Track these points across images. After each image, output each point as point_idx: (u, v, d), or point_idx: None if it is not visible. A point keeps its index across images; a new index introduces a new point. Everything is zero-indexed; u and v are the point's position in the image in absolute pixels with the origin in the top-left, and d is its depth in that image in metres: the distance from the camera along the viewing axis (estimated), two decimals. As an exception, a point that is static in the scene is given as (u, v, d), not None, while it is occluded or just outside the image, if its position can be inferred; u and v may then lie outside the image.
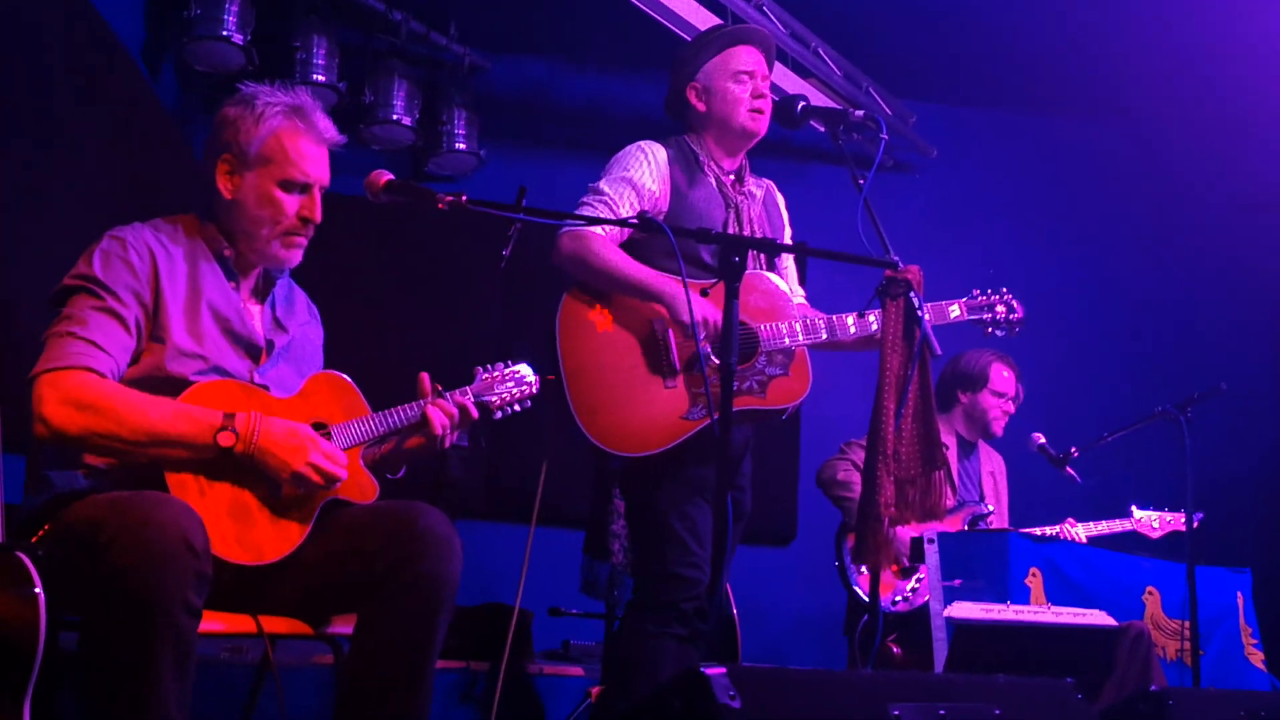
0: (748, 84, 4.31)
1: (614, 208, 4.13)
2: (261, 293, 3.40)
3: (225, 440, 2.99)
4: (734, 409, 4.07)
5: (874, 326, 4.22)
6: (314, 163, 3.30)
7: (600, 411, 4.00)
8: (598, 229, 4.07)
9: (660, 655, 4.05)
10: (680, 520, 4.08)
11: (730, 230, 4.25)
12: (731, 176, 4.34)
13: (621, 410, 4.01)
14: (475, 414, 3.51)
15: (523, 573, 4.25)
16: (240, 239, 3.31)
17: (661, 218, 4.19)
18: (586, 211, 4.14)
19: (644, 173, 4.19)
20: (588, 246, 4.06)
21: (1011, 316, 4.63)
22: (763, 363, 4.17)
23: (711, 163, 4.31)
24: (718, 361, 4.04)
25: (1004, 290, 4.67)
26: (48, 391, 2.93)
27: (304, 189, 3.29)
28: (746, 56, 4.34)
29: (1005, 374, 6.02)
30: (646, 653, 4.06)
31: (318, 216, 3.32)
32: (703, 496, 4.11)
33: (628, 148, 4.27)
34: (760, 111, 4.31)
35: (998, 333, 4.65)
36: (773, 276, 4.30)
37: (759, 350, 4.16)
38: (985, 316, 4.60)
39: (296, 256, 3.38)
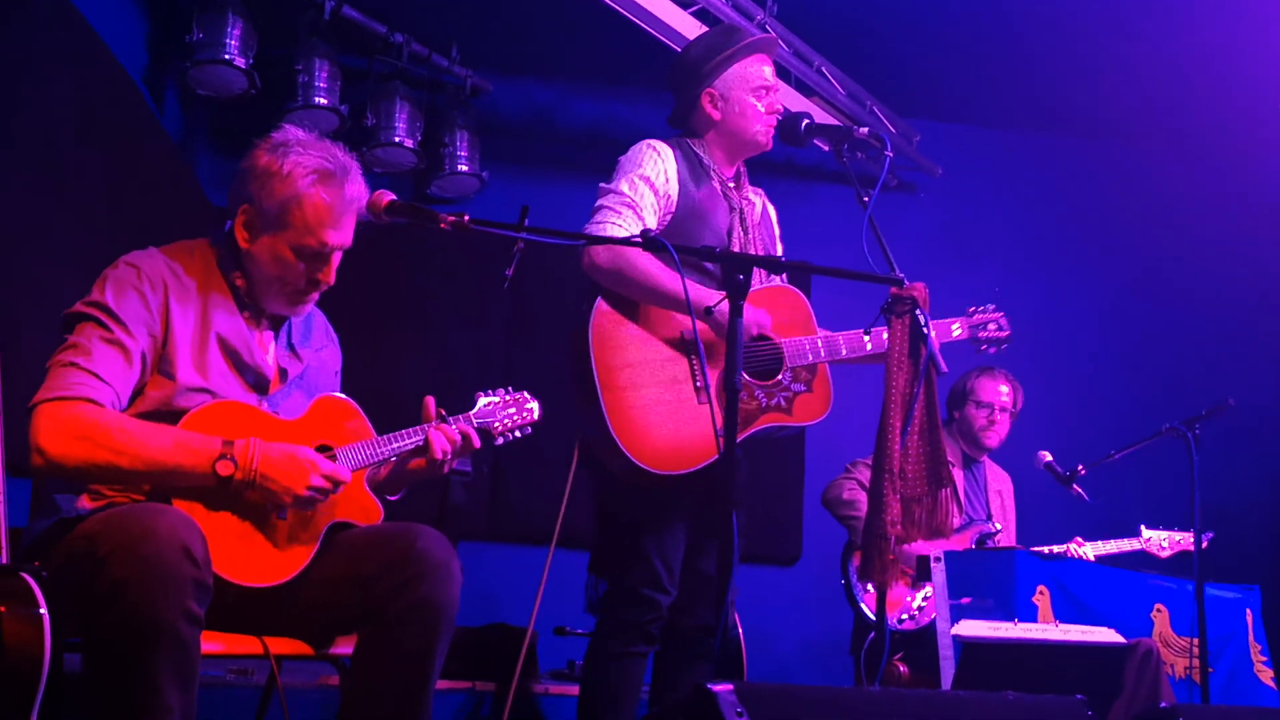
0: (764, 99, 4.32)
1: (636, 208, 4.10)
2: (276, 321, 3.37)
3: (224, 470, 2.97)
4: (762, 426, 4.11)
5: (877, 346, 4.22)
6: (333, 231, 3.21)
7: (638, 428, 3.97)
8: (629, 233, 4.04)
9: (625, 675, 4.05)
10: (653, 541, 4.07)
11: (736, 235, 4.25)
12: (732, 183, 4.34)
13: (660, 427, 3.98)
14: (477, 442, 3.48)
15: (539, 593, 4.24)
16: (252, 283, 3.28)
17: (670, 218, 4.18)
18: (607, 214, 4.11)
19: (658, 171, 4.18)
20: (625, 256, 4.02)
21: (999, 334, 4.64)
22: (788, 379, 4.17)
23: (714, 168, 4.31)
24: (748, 378, 4.05)
25: (993, 306, 4.68)
26: (45, 423, 2.91)
27: (317, 255, 3.23)
28: (765, 69, 4.35)
29: (989, 384, 6.01)
30: (612, 674, 4.06)
31: (330, 280, 3.28)
32: (680, 521, 4.11)
33: (636, 147, 4.26)
34: (773, 125, 4.32)
35: (989, 350, 4.66)
36: (796, 291, 4.31)
37: (784, 366, 4.16)
38: (980, 335, 4.61)
39: (304, 310, 3.37)
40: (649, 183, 4.14)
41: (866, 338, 4.23)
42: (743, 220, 4.30)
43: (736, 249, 4.23)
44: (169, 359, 3.11)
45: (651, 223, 4.13)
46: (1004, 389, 6.03)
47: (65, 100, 5.24)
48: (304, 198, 3.17)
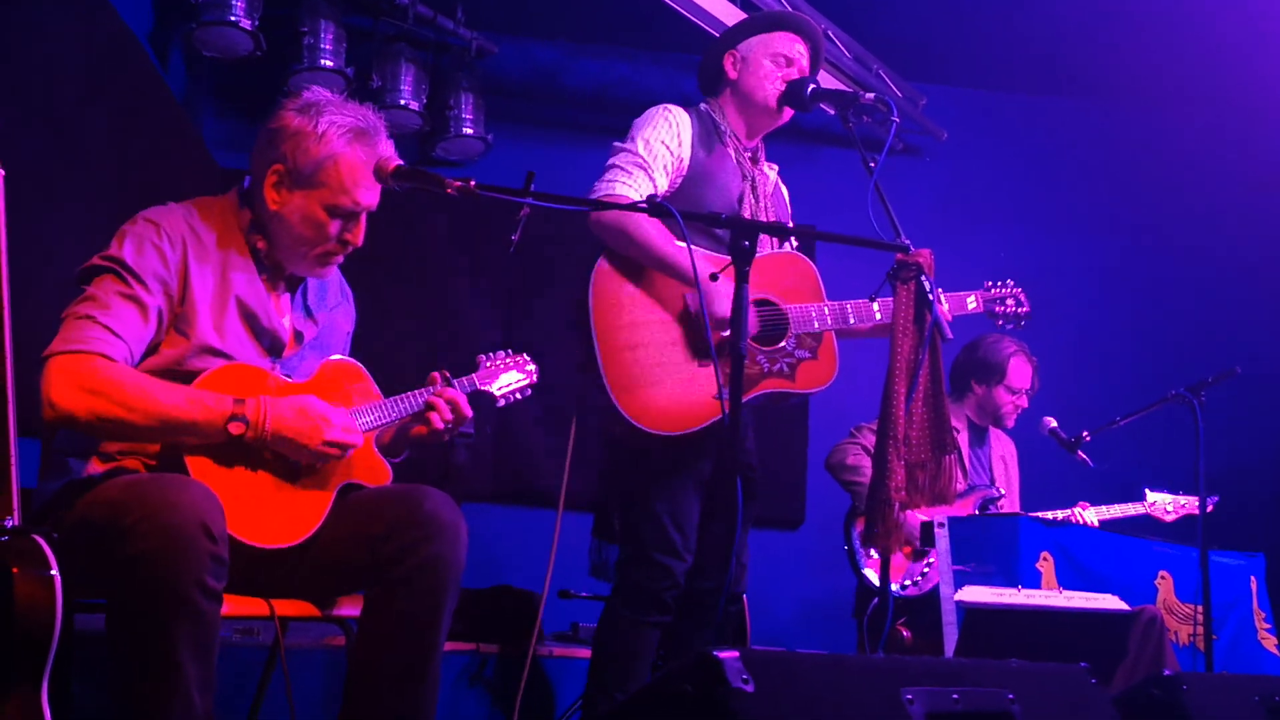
0: (783, 68, 4.31)
1: (648, 169, 4.10)
2: (293, 282, 3.38)
3: (235, 429, 2.98)
4: (763, 391, 4.11)
5: (886, 317, 4.23)
6: (367, 191, 3.24)
7: (636, 388, 3.97)
8: (633, 195, 4.03)
9: (640, 644, 4.06)
10: (667, 506, 4.07)
11: (747, 203, 4.25)
12: (749, 153, 4.34)
13: (658, 388, 3.98)
14: (468, 411, 3.48)
15: (551, 557, 4.25)
16: (277, 247, 3.28)
17: (681, 181, 4.17)
18: (618, 173, 4.11)
19: (671, 135, 4.18)
20: (631, 219, 4.01)
21: (1019, 310, 4.64)
22: (791, 345, 4.16)
23: (731, 135, 4.30)
24: (751, 343, 4.04)
25: (1012, 283, 4.67)
26: (57, 375, 2.91)
27: (350, 215, 3.25)
28: (792, 43, 4.34)
29: (1023, 370, 6.00)
30: (626, 642, 4.07)
31: (359, 241, 3.29)
32: (694, 485, 4.11)
33: (652, 110, 4.26)
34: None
35: (1008, 326, 4.66)
36: (805, 259, 4.30)
37: (788, 332, 4.15)
38: (997, 309, 4.61)
39: (329, 272, 3.38)
40: (664, 145, 4.15)
41: (875, 306, 4.24)
42: (754, 189, 4.30)
43: (747, 216, 4.22)
44: (186, 317, 3.12)
45: (663, 185, 4.13)
46: (1031, 373, 6.02)
47: (71, 60, 5.23)
48: (339, 157, 3.19)
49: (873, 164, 3.88)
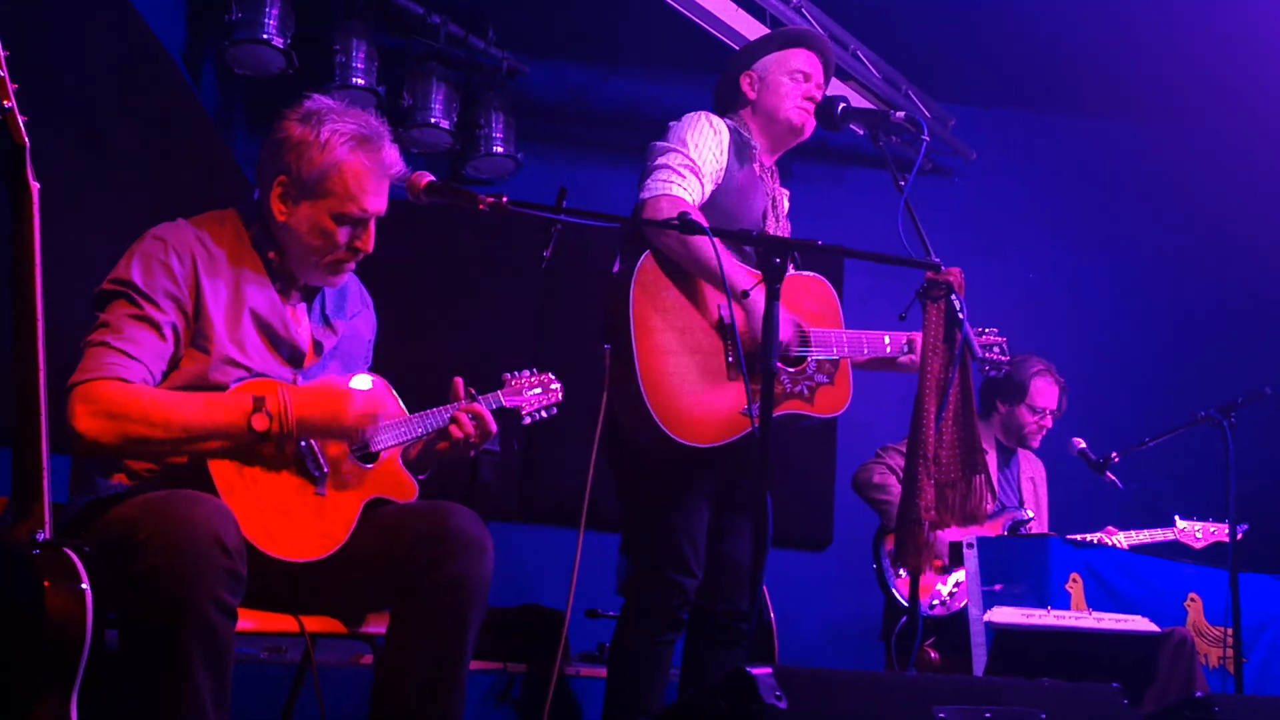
0: (802, 84, 4.32)
1: (698, 172, 4.05)
2: (309, 293, 3.37)
3: (260, 424, 2.98)
4: (784, 412, 4.10)
5: (895, 350, 4.23)
6: (374, 197, 3.22)
7: (670, 394, 3.91)
8: (687, 198, 4.00)
9: (655, 662, 4.03)
10: (679, 521, 4.04)
11: (769, 218, 4.24)
12: (769, 171, 4.34)
13: (692, 397, 3.93)
14: (493, 426, 3.47)
15: (574, 576, 4.24)
16: (287, 256, 3.27)
17: (715, 190, 4.14)
18: (670, 174, 4.02)
19: (717, 143, 4.14)
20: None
21: (999, 358, 4.60)
22: (812, 368, 4.16)
23: (758, 149, 4.31)
24: (779, 365, 4.02)
25: (994, 330, 4.65)
26: (79, 405, 2.92)
27: (359, 222, 3.24)
28: (807, 59, 4.35)
29: (1048, 390, 5.97)
30: (642, 662, 4.05)
31: (369, 248, 3.27)
32: (706, 499, 4.09)
33: (693, 115, 4.21)
34: (808, 110, 4.30)
35: (988, 371, 4.64)
36: (826, 282, 4.30)
37: (810, 355, 4.15)
38: (984, 355, 4.57)
39: (341, 280, 3.36)
40: (711, 151, 4.11)
41: (886, 339, 4.25)
42: (775, 207, 4.30)
43: (771, 232, 4.22)
44: (203, 332, 3.12)
45: (708, 189, 4.10)
46: (1057, 394, 5.99)
47: (104, 76, 5.27)
48: (344, 164, 3.17)
49: (903, 182, 3.87)
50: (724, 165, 4.16)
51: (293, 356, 3.27)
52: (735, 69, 4.40)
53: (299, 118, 3.23)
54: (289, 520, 3.06)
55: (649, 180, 4.06)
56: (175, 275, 3.10)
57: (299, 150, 3.19)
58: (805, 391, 4.14)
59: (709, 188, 4.11)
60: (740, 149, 4.23)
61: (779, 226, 4.31)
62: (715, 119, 4.21)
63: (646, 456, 4.04)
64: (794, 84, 4.33)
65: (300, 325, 3.32)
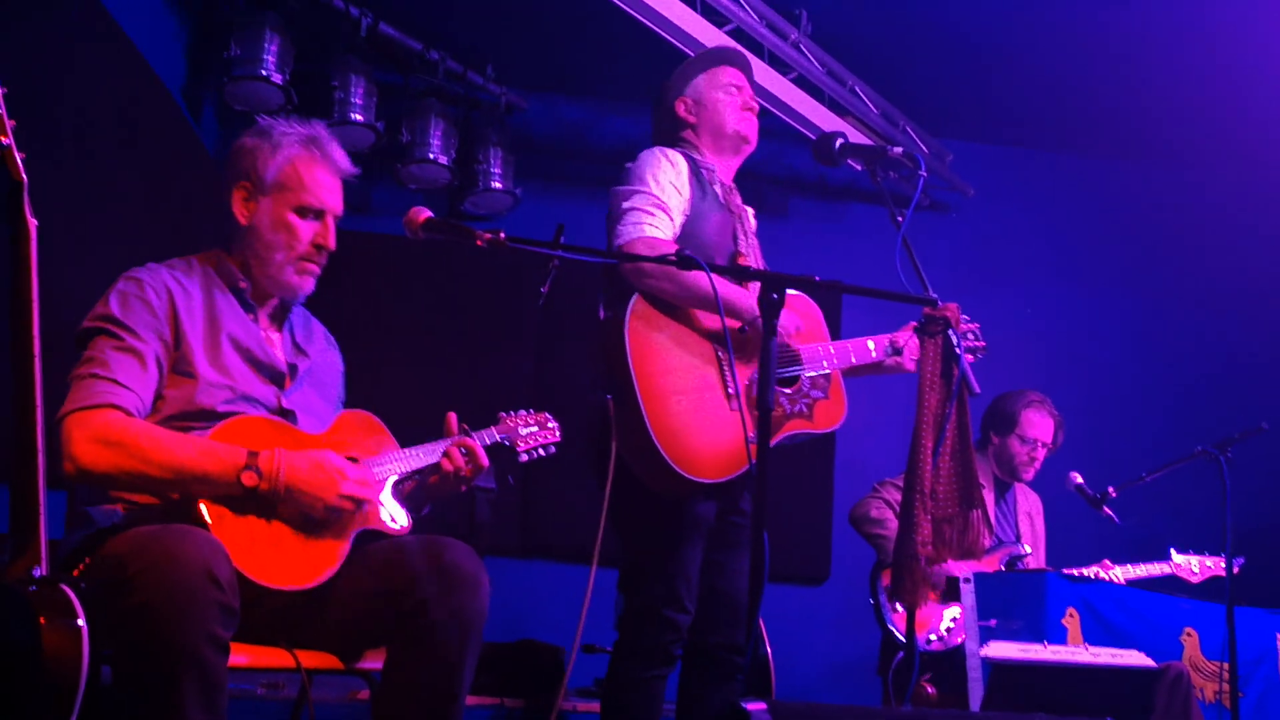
0: (737, 95, 4.36)
1: (666, 209, 4.04)
2: (279, 319, 3.45)
3: (249, 480, 3.00)
4: (786, 434, 4.10)
5: (880, 354, 4.25)
6: (329, 191, 3.38)
7: (681, 437, 3.87)
8: (662, 236, 3.98)
9: (649, 698, 4.02)
10: (673, 558, 4.02)
11: (739, 239, 4.24)
12: (727, 190, 4.34)
13: (699, 435, 3.90)
14: (485, 461, 3.49)
15: (583, 611, 4.23)
16: (255, 266, 3.36)
17: (683, 221, 4.14)
18: (640, 216, 4.02)
19: (677, 176, 4.13)
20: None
21: (975, 343, 4.60)
22: (807, 385, 4.16)
23: (714, 171, 4.32)
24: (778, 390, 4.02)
25: (966, 317, 4.63)
26: (75, 431, 2.96)
27: (318, 215, 3.37)
28: (733, 75, 4.40)
29: (1040, 422, 5.95)
30: (635, 698, 4.03)
31: (331, 244, 3.39)
32: (699, 535, 4.08)
33: (647, 153, 4.23)
34: (750, 119, 4.35)
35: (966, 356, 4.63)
36: (809, 299, 4.31)
37: (803, 373, 4.15)
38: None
39: (309, 284, 3.42)
40: (673, 186, 4.12)
41: (870, 344, 4.26)
42: (742, 227, 4.30)
43: (744, 253, 4.22)
44: (185, 359, 3.18)
45: (679, 224, 4.11)
46: (1050, 427, 5.97)
47: (104, 114, 5.29)
48: (297, 159, 3.36)
49: (900, 218, 3.87)
50: (688, 196, 4.15)
51: (274, 378, 3.34)
52: (668, 98, 4.42)
53: (251, 133, 3.43)
54: (279, 550, 3.06)
55: (619, 226, 4.05)
56: (154, 308, 3.18)
57: (254, 155, 3.37)
58: (805, 409, 4.13)
59: (679, 221, 4.10)
60: (699, 176, 4.23)
61: (749, 243, 4.30)
62: (670, 152, 4.21)
63: (652, 497, 4.03)
64: (729, 96, 4.36)
65: (275, 348, 3.39)
